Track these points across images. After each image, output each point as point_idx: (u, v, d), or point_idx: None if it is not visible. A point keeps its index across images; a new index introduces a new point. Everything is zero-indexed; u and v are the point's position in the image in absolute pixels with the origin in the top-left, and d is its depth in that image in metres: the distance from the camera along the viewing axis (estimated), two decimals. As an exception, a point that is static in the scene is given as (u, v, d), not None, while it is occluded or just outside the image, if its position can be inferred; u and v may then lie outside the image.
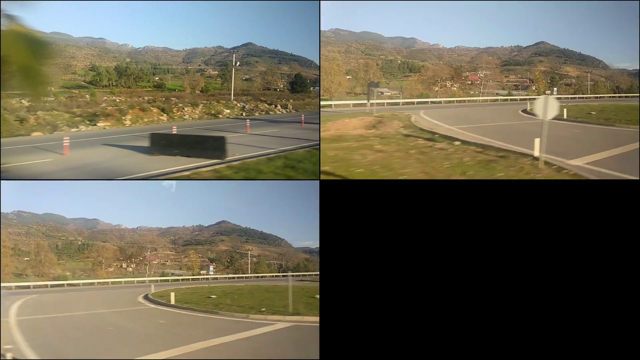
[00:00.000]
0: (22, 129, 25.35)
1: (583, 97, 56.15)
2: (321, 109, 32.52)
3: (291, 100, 46.23)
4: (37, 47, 4.08)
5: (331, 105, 40.75)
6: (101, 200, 57.11)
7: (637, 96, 50.53)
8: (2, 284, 24.25)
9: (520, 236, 9.37)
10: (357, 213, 9.64)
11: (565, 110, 28.26)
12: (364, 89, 46.77)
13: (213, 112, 38.50)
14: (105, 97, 39.96)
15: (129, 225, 52.19)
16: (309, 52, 66.09)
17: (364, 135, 21.15)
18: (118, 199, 63.20)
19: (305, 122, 30.40)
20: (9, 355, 8.23)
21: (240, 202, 62.51)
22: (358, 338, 9.21)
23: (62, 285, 34.96)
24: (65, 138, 18.83)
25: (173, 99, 40.13)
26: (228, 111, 39.48)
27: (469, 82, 60.66)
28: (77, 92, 42.10)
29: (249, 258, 48.27)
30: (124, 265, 45.32)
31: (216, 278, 42.84)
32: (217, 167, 15.22)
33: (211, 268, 46.38)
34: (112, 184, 38.96)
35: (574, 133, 22.58)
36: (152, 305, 18.87)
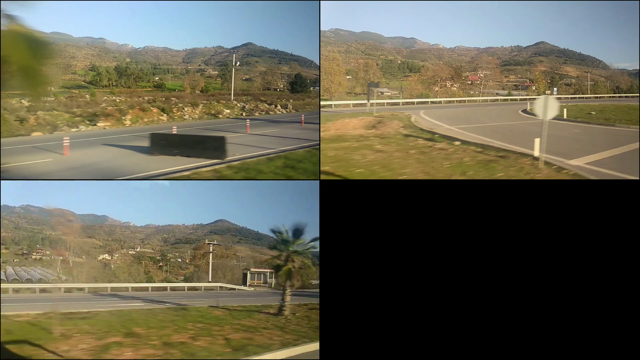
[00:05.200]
0: (22, 129, 25.33)
1: (583, 97, 56.21)
2: (321, 109, 32.53)
3: (291, 100, 46.23)
4: (37, 47, 4.08)
5: (331, 105, 40.81)
6: (111, 198, 57.98)
7: (637, 96, 50.60)
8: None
9: (520, 236, 9.37)
10: (357, 213, 9.64)
11: (565, 110, 28.30)
12: (364, 89, 46.79)
13: (213, 112, 38.50)
14: (105, 97, 39.98)
15: (138, 224, 52.82)
16: (309, 52, 66.22)
17: (364, 135, 21.16)
18: (129, 198, 64.12)
19: (305, 122, 30.37)
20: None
21: (238, 201, 62.88)
22: (358, 337, 9.21)
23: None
24: (65, 138, 18.82)
25: (173, 99, 40.14)
26: (228, 111, 39.48)
27: (469, 82, 60.70)
28: (77, 92, 42.14)
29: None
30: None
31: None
32: (217, 167, 15.20)
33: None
34: (125, 184, 38.64)
35: (574, 133, 22.59)
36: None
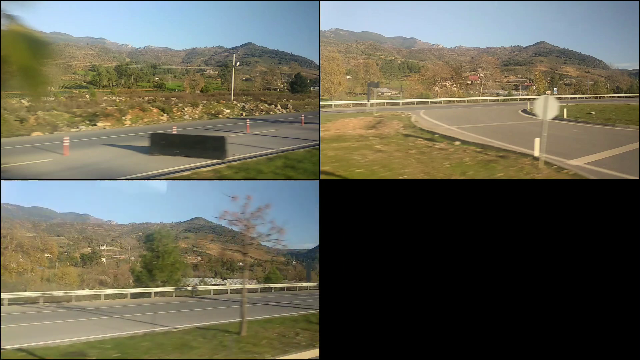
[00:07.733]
0: (22, 129, 25.33)
1: (583, 97, 56.23)
2: (321, 109, 32.54)
3: (291, 100, 46.22)
4: (37, 47, 4.08)
5: (331, 105, 40.83)
6: (95, 197, 58.14)
7: (637, 96, 50.63)
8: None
9: (520, 236, 9.37)
10: (357, 213, 9.64)
11: (565, 110, 28.31)
12: (364, 89, 46.80)
13: (213, 112, 38.50)
14: (105, 97, 39.97)
15: (120, 222, 52.75)
16: (309, 52, 66.24)
17: (364, 135, 21.16)
18: (114, 197, 64.09)
19: (305, 122, 30.37)
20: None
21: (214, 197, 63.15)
22: (358, 337, 9.21)
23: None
24: (65, 138, 18.81)
25: (173, 99, 40.13)
26: (228, 111, 39.48)
27: (469, 82, 60.73)
28: (77, 92, 42.14)
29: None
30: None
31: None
32: (217, 167, 15.21)
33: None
34: (111, 184, 38.21)
35: (574, 133, 22.59)
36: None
